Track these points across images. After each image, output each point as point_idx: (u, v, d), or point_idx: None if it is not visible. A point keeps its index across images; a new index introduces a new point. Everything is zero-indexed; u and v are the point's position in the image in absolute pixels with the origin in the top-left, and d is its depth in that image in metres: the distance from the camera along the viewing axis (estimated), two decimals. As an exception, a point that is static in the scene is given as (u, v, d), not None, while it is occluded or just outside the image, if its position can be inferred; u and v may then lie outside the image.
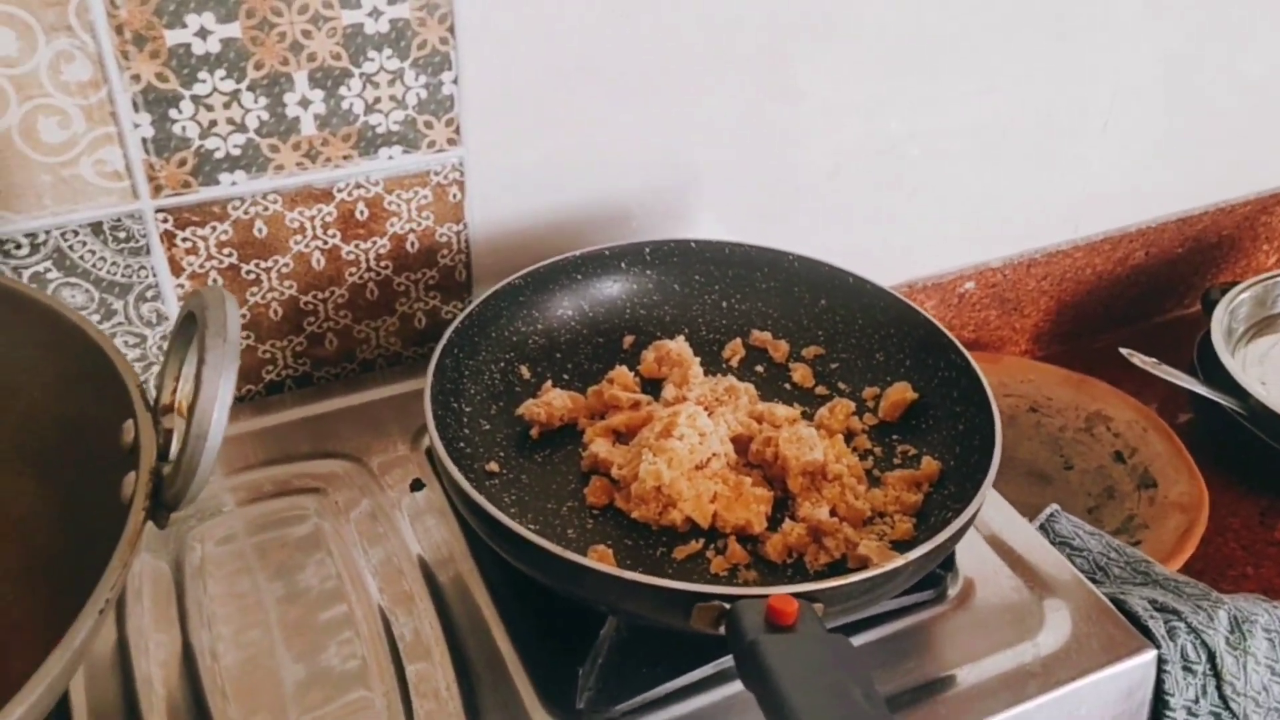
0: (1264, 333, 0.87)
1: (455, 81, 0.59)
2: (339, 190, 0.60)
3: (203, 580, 0.52)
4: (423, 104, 0.59)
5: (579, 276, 0.61)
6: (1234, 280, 0.92)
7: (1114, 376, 0.85)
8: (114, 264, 0.57)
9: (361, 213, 0.61)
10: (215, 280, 0.60)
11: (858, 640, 0.49)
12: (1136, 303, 0.95)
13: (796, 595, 0.40)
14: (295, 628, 0.49)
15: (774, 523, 0.51)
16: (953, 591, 0.52)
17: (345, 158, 0.59)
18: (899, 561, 0.43)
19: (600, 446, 0.53)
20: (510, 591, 0.51)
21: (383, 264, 0.63)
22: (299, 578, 0.52)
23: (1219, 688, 0.52)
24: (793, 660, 0.35)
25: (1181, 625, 0.52)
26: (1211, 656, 0.52)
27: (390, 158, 0.60)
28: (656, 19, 0.63)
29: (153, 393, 0.41)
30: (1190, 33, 0.82)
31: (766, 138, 0.71)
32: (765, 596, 0.39)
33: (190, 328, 0.40)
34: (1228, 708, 0.53)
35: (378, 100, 0.58)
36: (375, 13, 0.56)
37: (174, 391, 0.41)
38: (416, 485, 0.57)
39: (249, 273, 0.60)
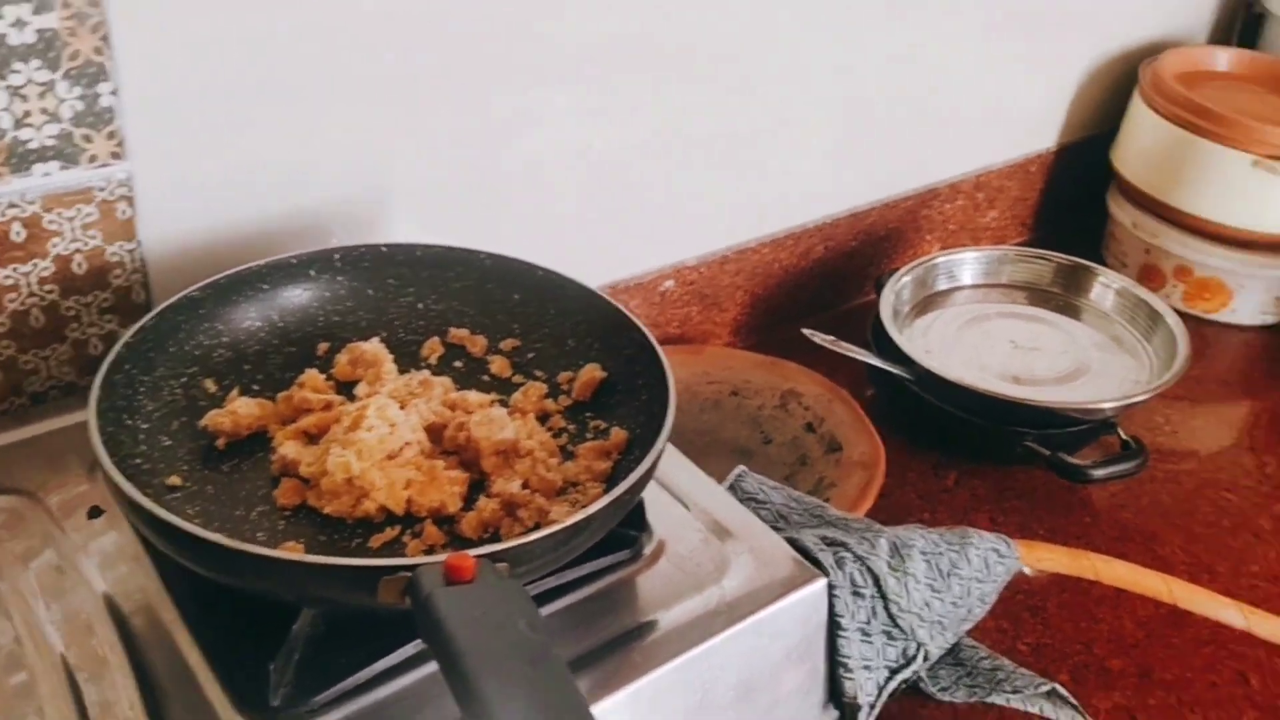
0: (927, 310, 0.98)
1: (114, 93, 0.57)
2: (-11, 210, 0.56)
3: None
4: (79, 116, 0.57)
5: (265, 286, 0.60)
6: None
7: (807, 360, 0.93)
8: None
9: (18, 234, 0.58)
10: None
11: (561, 604, 0.52)
12: (821, 293, 1.04)
13: (481, 555, 0.42)
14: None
15: (471, 504, 0.53)
16: (647, 550, 0.56)
17: (-7, 175, 0.56)
18: (579, 516, 0.45)
19: (289, 448, 0.53)
20: (205, 614, 0.49)
21: (47, 288, 0.60)
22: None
23: (886, 608, 0.58)
24: (463, 606, 0.37)
25: (848, 555, 0.57)
26: (877, 580, 0.58)
27: (46, 174, 0.57)
28: (334, 31, 0.64)
29: None
30: (851, 47, 0.92)
31: (458, 146, 0.73)
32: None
33: None
34: (896, 625, 0.59)
35: (28, 114, 0.55)
36: (19, 23, 0.54)
37: None
38: (94, 512, 0.54)
39: (-114, 304, 0.56)
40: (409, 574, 0.41)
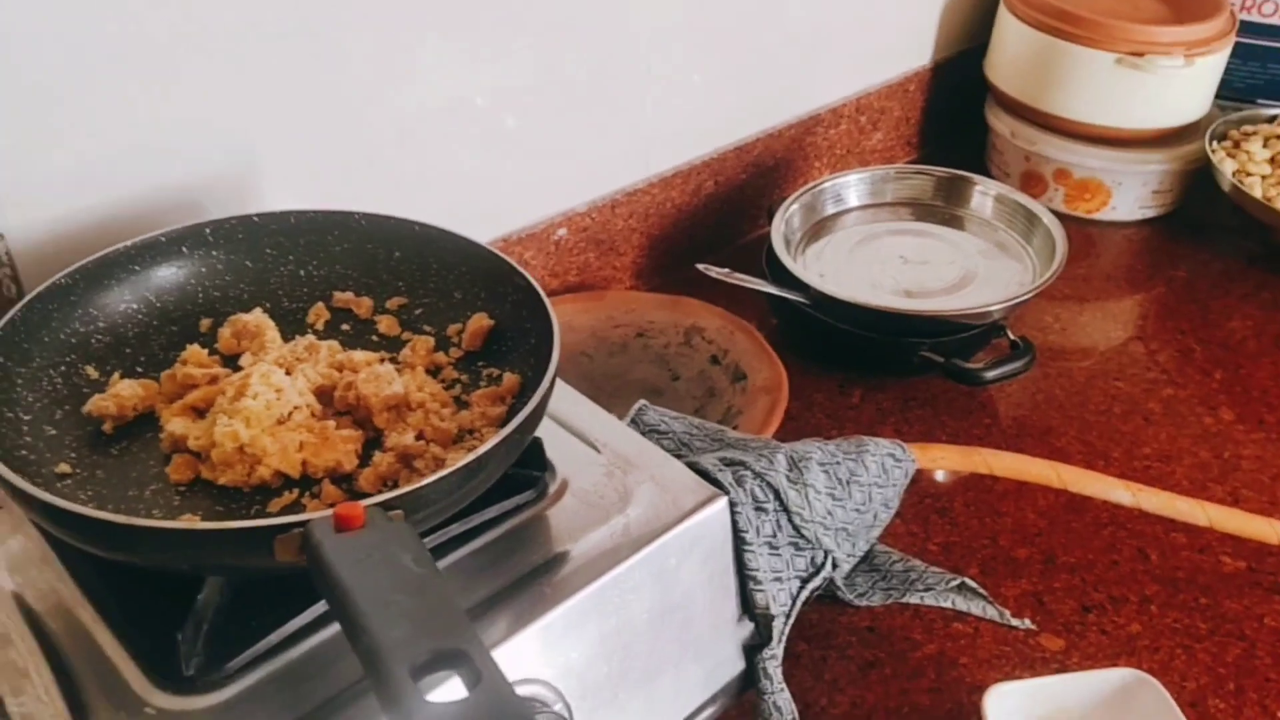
0: (819, 235, 1.00)
1: (-49, 83, 0.56)
2: None
3: None
4: (-84, 109, 0.55)
5: (136, 267, 0.59)
6: (792, 195, 1.04)
7: (709, 296, 0.94)
8: None
9: None
10: None
11: (471, 547, 0.53)
12: (716, 228, 1.06)
13: (371, 504, 0.42)
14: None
15: (368, 461, 0.53)
16: (552, 489, 0.57)
17: None
18: (469, 458, 0.46)
19: (177, 425, 0.52)
20: (114, 599, 0.49)
21: (-91, 291, 0.58)
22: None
23: (790, 520, 0.60)
24: (351, 550, 0.37)
25: (748, 473, 0.59)
26: (778, 494, 0.59)
27: (-109, 173, 0.55)
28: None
29: None
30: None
31: (323, 109, 0.72)
32: (338, 512, 0.41)
33: None
34: (801, 535, 0.61)
35: None
36: None
37: None
38: (-14, 509, 0.53)
39: None
40: (301, 529, 0.41)
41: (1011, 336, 0.88)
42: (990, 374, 0.84)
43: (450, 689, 0.34)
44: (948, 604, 0.71)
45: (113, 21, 0.60)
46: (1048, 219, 0.94)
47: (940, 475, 0.82)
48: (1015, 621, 0.71)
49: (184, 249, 0.61)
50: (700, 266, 0.88)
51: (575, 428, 0.61)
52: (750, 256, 0.98)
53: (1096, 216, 1.12)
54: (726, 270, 0.88)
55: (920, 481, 0.81)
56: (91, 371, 0.56)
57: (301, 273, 0.63)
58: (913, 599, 0.70)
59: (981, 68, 1.17)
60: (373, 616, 0.34)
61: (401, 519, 0.43)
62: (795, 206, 0.97)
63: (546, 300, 0.57)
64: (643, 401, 0.67)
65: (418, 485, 0.44)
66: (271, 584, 0.48)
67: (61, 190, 0.62)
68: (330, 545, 0.38)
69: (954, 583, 0.72)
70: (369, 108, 0.74)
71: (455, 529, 0.52)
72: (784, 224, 0.95)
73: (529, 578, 0.51)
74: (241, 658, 0.45)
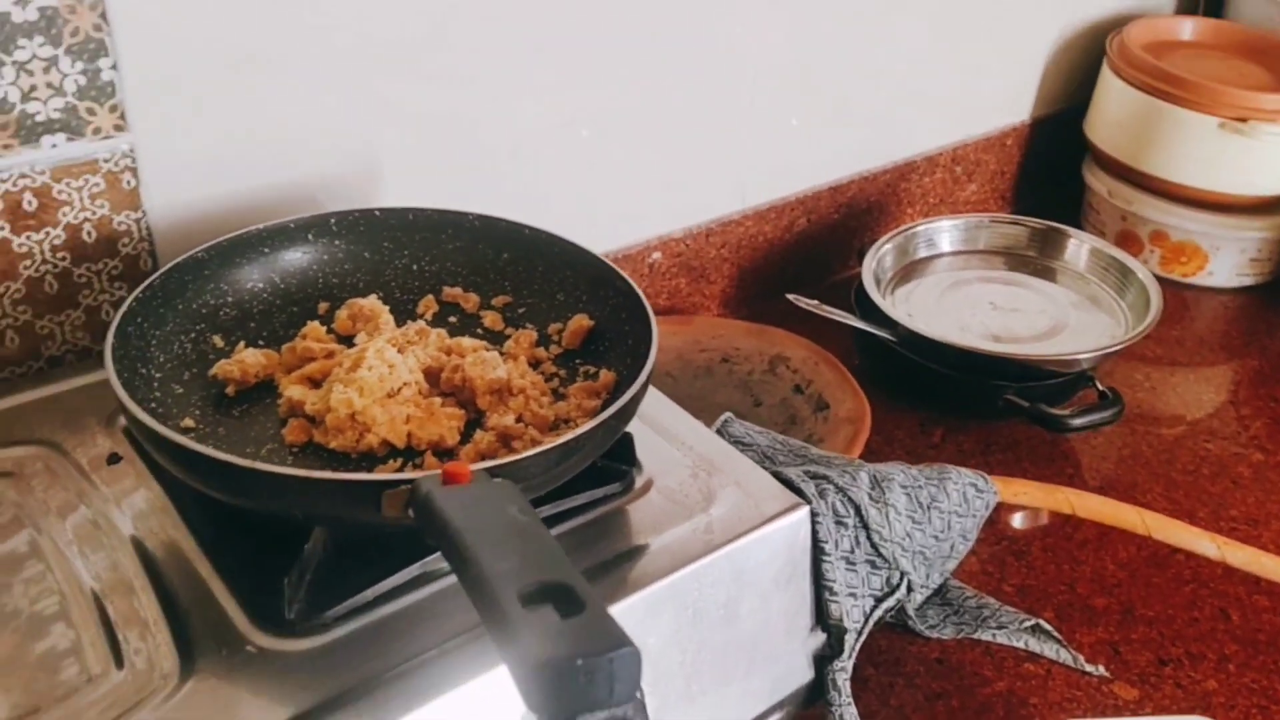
0: (909, 278, 1.01)
1: (114, 67, 0.61)
2: (1, 180, 0.59)
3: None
4: (82, 90, 0.60)
5: (265, 250, 0.63)
6: (884, 238, 1.05)
7: (794, 330, 0.95)
8: None
9: (30, 203, 0.61)
10: None
11: (557, 531, 0.55)
12: (805, 265, 1.07)
13: (477, 469, 0.44)
14: (7, 665, 0.46)
15: (468, 439, 0.55)
16: (638, 484, 0.58)
17: (5, 147, 0.59)
18: (569, 436, 0.48)
19: (295, 391, 0.56)
20: (226, 548, 0.52)
21: (60, 255, 0.63)
22: (6, 600, 0.49)
23: (869, 537, 0.61)
24: (460, 500, 0.40)
25: (830, 486, 0.60)
26: (858, 510, 0.60)
27: (54, 145, 0.60)
28: (316, 6, 0.67)
29: None
30: (817, 24, 0.95)
31: (442, 120, 0.76)
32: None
33: None
34: (879, 554, 0.61)
35: (34, 88, 0.58)
36: (22, 1, 0.57)
37: None
38: (113, 459, 0.57)
39: (-93, 270, 0.58)
40: (409, 486, 0.43)
41: (1100, 387, 0.88)
42: (1077, 421, 0.84)
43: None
44: (1020, 644, 0.70)
45: (260, 21, 0.65)
46: (1142, 274, 0.94)
47: (1018, 520, 0.82)
48: (1089, 667, 0.70)
49: (309, 236, 0.65)
50: (790, 296, 0.90)
51: (664, 430, 0.63)
52: (838, 296, 1.00)
53: (1192, 280, 1.11)
54: (816, 302, 0.90)
55: (998, 523, 0.81)
56: (218, 341, 0.60)
57: (415, 266, 0.67)
58: (984, 635, 0.70)
59: (1080, 127, 1.17)
60: (482, 550, 0.36)
61: (502, 484, 0.45)
62: (888, 247, 0.98)
63: (646, 303, 0.59)
64: (728, 414, 0.69)
65: (519, 456, 0.46)
66: (371, 544, 0.50)
67: (200, 175, 0.66)
68: (439, 495, 0.40)
69: (1028, 623, 0.71)
70: (485, 123, 0.78)
71: (545, 510, 0.54)
72: (875, 263, 0.96)
73: (611, 564, 0.53)
74: (339, 608, 0.48)
